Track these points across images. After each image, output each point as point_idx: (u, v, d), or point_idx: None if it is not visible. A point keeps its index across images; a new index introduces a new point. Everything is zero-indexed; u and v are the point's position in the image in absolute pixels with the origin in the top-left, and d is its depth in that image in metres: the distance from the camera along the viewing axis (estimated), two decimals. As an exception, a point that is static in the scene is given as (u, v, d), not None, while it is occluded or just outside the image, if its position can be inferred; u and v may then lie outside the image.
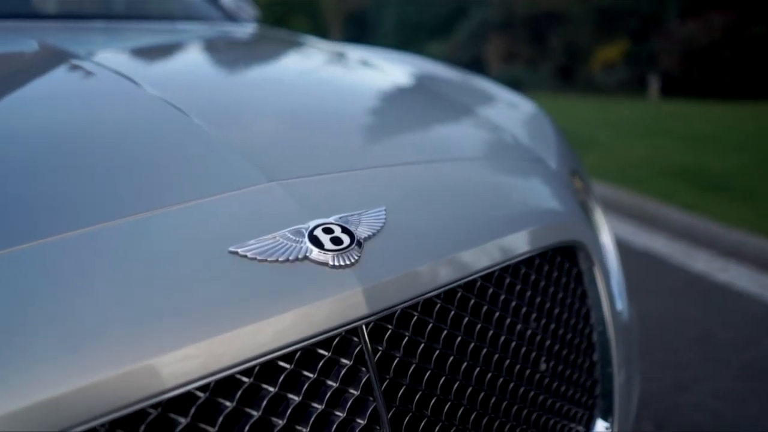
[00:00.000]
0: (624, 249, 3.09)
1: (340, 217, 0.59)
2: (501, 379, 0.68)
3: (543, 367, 0.78)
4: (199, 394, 0.47)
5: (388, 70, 1.33)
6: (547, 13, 10.08)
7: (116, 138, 0.67)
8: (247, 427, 0.49)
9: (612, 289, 0.95)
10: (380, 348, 0.56)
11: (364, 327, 0.55)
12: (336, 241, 0.56)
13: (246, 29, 1.85)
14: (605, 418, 0.84)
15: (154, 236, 0.53)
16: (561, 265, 0.80)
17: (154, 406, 0.45)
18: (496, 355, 0.68)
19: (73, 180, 0.58)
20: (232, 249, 0.53)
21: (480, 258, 0.66)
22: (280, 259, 0.53)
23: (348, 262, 0.55)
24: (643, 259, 2.93)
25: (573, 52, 9.69)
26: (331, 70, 1.31)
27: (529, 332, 0.73)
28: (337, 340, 0.54)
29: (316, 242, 0.55)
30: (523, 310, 0.72)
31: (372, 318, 0.55)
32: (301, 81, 1.12)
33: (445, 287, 0.62)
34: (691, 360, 2.00)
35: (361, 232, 0.59)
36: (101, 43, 1.21)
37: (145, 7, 2.01)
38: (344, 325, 0.53)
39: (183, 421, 0.46)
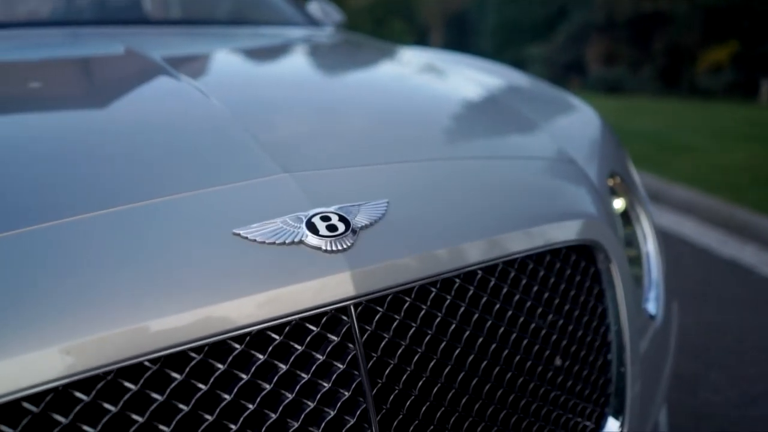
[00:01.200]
0: (710, 257, 2.95)
1: (340, 207, 0.64)
2: (498, 368, 0.71)
3: (558, 362, 0.81)
4: (194, 355, 0.54)
5: (440, 72, 1.38)
6: (651, 13, 9.65)
7: (159, 132, 0.77)
8: (235, 389, 0.55)
9: (642, 290, 0.95)
10: (369, 328, 0.61)
11: (352, 307, 0.60)
12: (331, 228, 0.61)
13: (323, 33, 1.95)
14: (616, 417, 0.84)
15: (173, 217, 0.61)
16: (576, 263, 0.82)
17: (154, 361, 0.53)
18: (494, 345, 0.71)
19: (113, 166, 0.67)
20: (235, 231, 0.60)
21: (480, 251, 0.70)
22: (277, 241, 0.59)
23: (340, 248, 0.61)
24: (729, 268, 2.79)
25: (677, 54, 9.23)
26: (380, 72, 1.37)
27: (533, 325, 0.75)
28: (326, 317, 0.60)
29: (313, 228, 0.61)
30: (528, 303, 0.75)
31: (361, 299, 0.60)
32: (348, 82, 1.19)
33: (439, 276, 0.66)
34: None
35: (359, 221, 0.64)
36: (177, 47, 1.34)
37: (230, 13, 2.15)
38: (331, 304, 0.59)
39: (178, 377, 0.54)
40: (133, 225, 0.59)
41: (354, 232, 0.62)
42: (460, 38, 14.82)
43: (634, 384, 0.85)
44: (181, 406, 0.54)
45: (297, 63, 1.41)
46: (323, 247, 0.60)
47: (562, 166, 0.93)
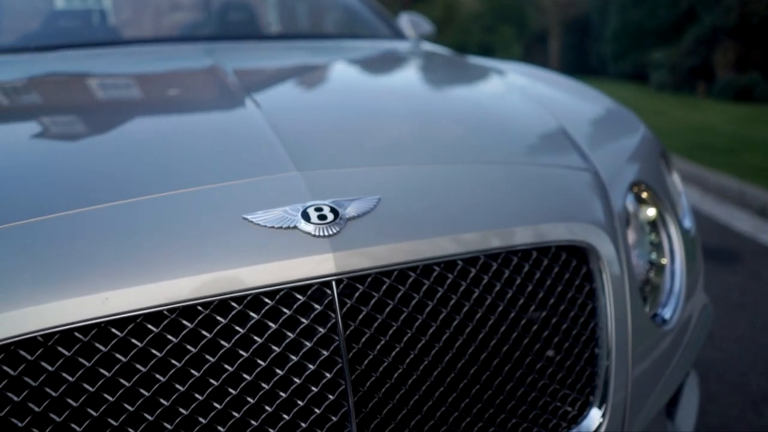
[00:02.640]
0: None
1: (334, 201, 0.78)
2: (472, 349, 0.81)
3: (550, 353, 0.89)
4: (201, 309, 0.70)
5: (487, 82, 1.48)
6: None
7: (203, 133, 0.95)
8: (233, 341, 0.70)
9: (659, 296, 1.00)
10: (348, 301, 0.74)
11: (334, 283, 0.73)
12: (322, 217, 0.75)
13: (401, 45, 2.09)
14: (599, 406, 0.91)
15: (200, 203, 0.77)
16: (567, 262, 0.90)
17: (171, 311, 0.69)
18: (470, 328, 0.81)
19: (162, 161, 0.85)
20: (245, 216, 0.75)
21: (461, 244, 0.80)
22: (276, 226, 0.74)
23: (327, 233, 0.74)
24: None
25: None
26: (426, 81, 1.49)
27: (512, 314, 0.84)
28: (312, 289, 0.73)
29: (306, 217, 0.75)
30: (509, 294, 0.84)
31: (342, 276, 0.73)
32: (388, 91, 1.33)
33: (418, 263, 0.78)
34: None
35: (348, 213, 0.77)
36: (254, 60, 1.54)
37: (317, 28, 2.35)
38: (316, 278, 0.72)
39: (189, 325, 0.69)
40: (167, 209, 0.76)
41: (341, 221, 0.75)
42: (581, 43, 14.39)
43: (619, 377, 0.91)
44: (189, 347, 0.69)
45: (350, 74, 1.57)
46: (312, 233, 0.74)
47: (568, 174, 1.01)
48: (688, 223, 1.29)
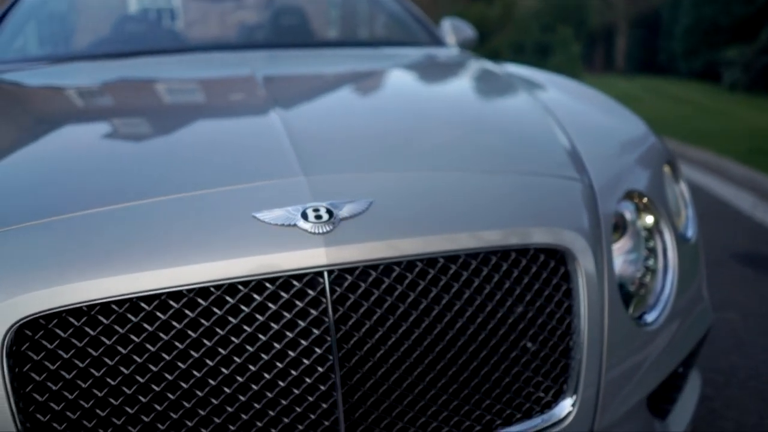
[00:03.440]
0: None
1: (331, 202, 0.90)
2: (451, 335, 0.92)
3: (529, 345, 0.99)
4: (213, 290, 0.84)
5: (503, 91, 1.57)
6: None
7: (225, 139, 1.12)
8: (239, 318, 0.84)
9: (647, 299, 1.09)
10: (338, 289, 0.87)
11: (326, 273, 0.86)
12: (318, 217, 0.88)
13: (439, 52, 2.20)
14: (572, 396, 1.00)
15: (218, 202, 0.91)
16: (545, 263, 0.99)
17: (189, 290, 0.83)
18: (449, 317, 0.92)
19: (186, 164, 1.00)
20: (253, 214, 0.88)
21: (443, 244, 0.92)
22: (278, 223, 0.87)
23: (321, 231, 0.87)
24: None
25: None
26: (445, 90, 1.60)
27: (489, 307, 0.95)
28: (307, 278, 0.86)
29: (305, 216, 0.88)
30: (487, 289, 0.95)
31: (333, 268, 0.86)
32: (408, 100, 1.45)
33: (402, 258, 0.89)
34: None
35: (342, 213, 0.89)
36: (286, 67, 1.71)
37: (355, 36, 2.49)
38: (309, 269, 0.85)
39: (203, 303, 0.84)
40: (192, 206, 0.90)
41: (335, 221, 0.88)
42: (649, 40, 13.98)
43: (590, 369, 1.00)
44: (203, 321, 0.84)
45: (374, 82, 1.69)
46: (309, 230, 0.87)
47: (556, 182, 1.10)
48: (690, 232, 1.35)
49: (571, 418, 1.00)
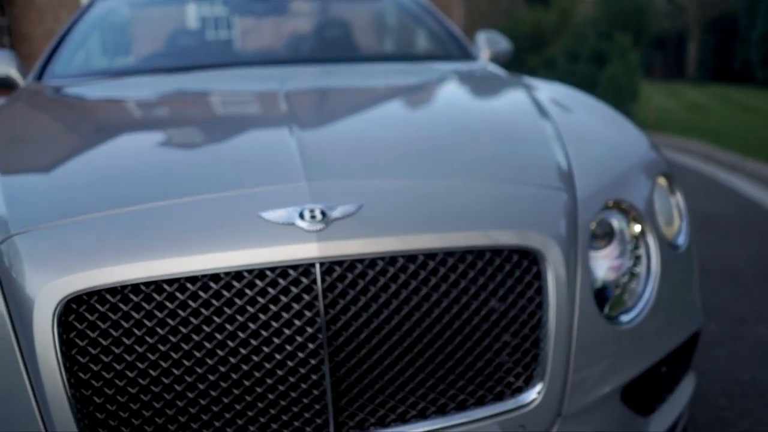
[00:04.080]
0: None
1: (325, 205, 1.06)
2: (427, 322, 1.06)
3: (507, 338, 1.12)
4: (223, 276, 1.01)
5: (515, 103, 1.70)
6: None
7: (240, 148, 1.30)
8: (243, 299, 1.00)
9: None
10: (328, 278, 1.02)
11: (318, 264, 1.01)
12: (313, 217, 1.03)
13: (463, 67, 2.34)
14: (540, 382, 1.12)
15: (233, 203, 1.08)
16: (519, 263, 1.12)
17: (203, 276, 1.00)
18: (427, 306, 1.06)
19: (209, 170, 1.18)
20: (260, 214, 1.05)
21: (422, 242, 1.05)
22: (279, 222, 1.03)
23: (314, 229, 1.02)
24: None
25: None
26: (455, 104, 1.76)
27: (464, 299, 1.08)
28: (302, 268, 1.01)
29: (302, 216, 1.04)
30: (462, 283, 1.08)
31: (324, 260, 1.01)
32: (417, 113, 1.60)
33: (385, 254, 1.04)
34: None
35: (335, 214, 1.05)
36: (310, 82, 1.91)
37: (382, 50, 2.66)
38: (303, 260, 1.01)
39: (215, 286, 1.00)
40: (213, 206, 1.08)
41: (328, 220, 1.03)
42: (723, 46, 13.51)
43: (557, 360, 1.12)
44: (214, 302, 1.00)
45: (389, 95, 1.85)
46: (304, 228, 1.02)
47: (537, 191, 1.22)
48: (681, 241, 1.43)
49: (538, 401, 1.12)
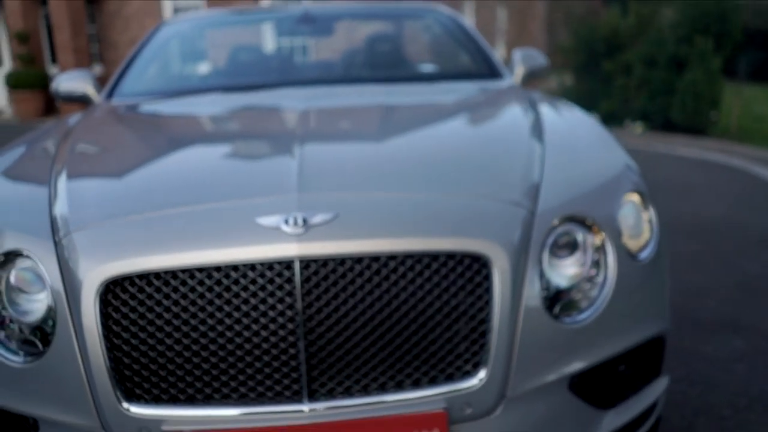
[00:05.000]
0: None
1: (307, 213, 1.30)
2: (388, 311, 1.28)
3: (459, 328, 1.33)
4: (224, 267, 1.27)
5: (511, 122, 1.91)
6: None
7: (248, 161, 1.57)
8: (239, 286, 1.27)
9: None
10: (306, 272, 1.27)
11: (297, 261, 1.26)
12: (295, 223, 1.28)
13: (490, 86, 2.54)
14: (486, 367, 1.32)
15: (235, 211, 1.35)
16: (470, 266, 1.32)
17: (209, 267, 1.27)
18: (388, 297, 1.28)
19: (224, 179, 1.46)
20: (256, 220, 1.31)
21: (385, 245, 1.28)
22: (269, 226, 1.29)
23: (296, 233, 1.27)
24: None
25: None
26: (459, 125, 2.00)
27: (420, 294, 1.30)
28: (284, 264, 1.27)
29: (287, 222, 1.29)
30: (419, 281, 1.29)
31: (302, 258, 1.26)
32: (423, 131, 1.88)
33: (354, 255, 1.27)
34: None
35: (314, 221, 1.29)
36: (329, 100, 2.22)
37: (415, 70, 2.89)
38: (285, 258, 1.26)
39: (217, 275, 1.27)
40: (219, 211, 1.35)
41: (307, 226, 1.28)
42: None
43: (500, 350, 1.31)
44: (216, 287, 1.27)
45: (399, 115, 2.10)
46: (288, 231, 1.27)
47: (495, 205, 1.41)
48: (646, 253, 1.58)
49: (483, 384, 1.31)
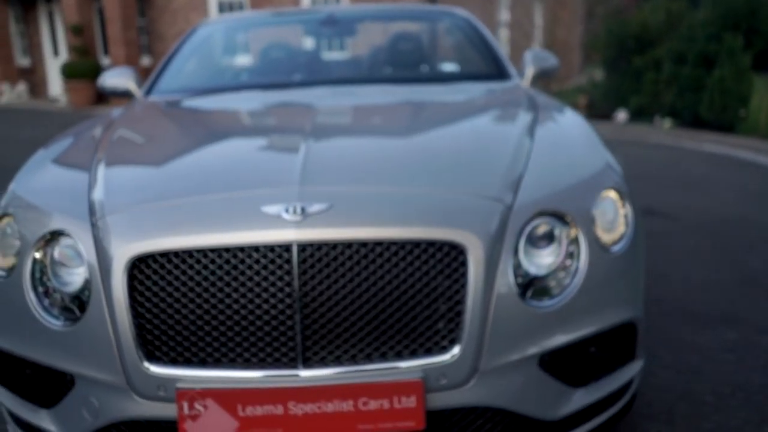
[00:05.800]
0: None
1: (305, 203, 1.49)
2: (373, 290, 1.46)
3: (441, 308, 1.51)
4: (233, 248, 1.47)
5: (508, 122, 2.08)
6: None
7: (258, 154, 1.77)
8: (245, 264, 1.46)
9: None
10: (303, 255, 1.45)
11: (296, 245, 1.45)
12: (294, 212, 1.47)
13: (496, 87, 2.70)
14: (460, 343, 1.49)
15: (247, 199, 1.54)
16: (448, 253, 1.49)
17: (221, 248, 1.47)
18: (373, 278, 1.46)
19: (236, 169, 1.66)
20: (261, 207, 1.50)
21: (372, 233, 1.46)
22: (272, 214, 1.48)
23: (295, 221, 1.46)
24: None
25: None
26: (463, 123, 2.19)
27: (402, 276, 1.47)
28: (284, 247, 1.46)
29: (287, 211, 1.48)
30: (401, 265, 1.47)
31: (300, 242, 1.45)
32: (424, 129, 2.07)
33: (345, 240, 1.45)
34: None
35: (311, 211, 1.48)
36: (346, 99, 2.42)
37: (427, 71, 3.06)
38: (284, 241, 1.45)
39: (226, 255, 1.47)
40: (231, 199, 1.55)
41: (305, 215, 1.47)
42: None
43: (473, 328, 1.48)
44: (225, 265, 1.47)
45: (404, 113, 2.30)
46: (288, 219, 1.46)
47: (475, 200, 1.58)
48: (620, 246, 1.73)
49: (457, 358, 1.49)
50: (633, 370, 1.81)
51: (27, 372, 1.67)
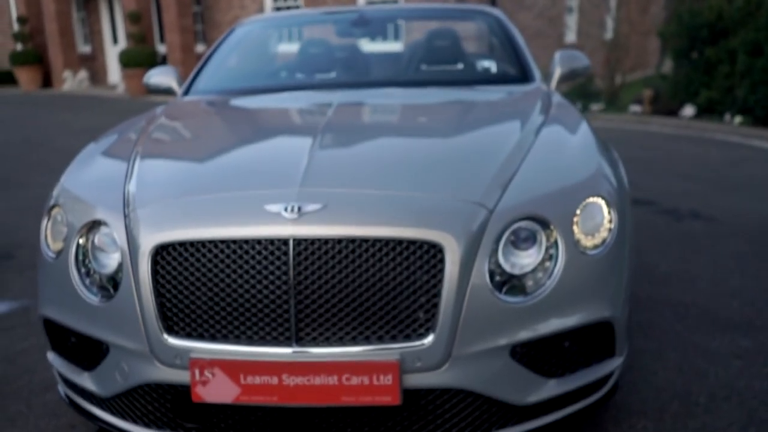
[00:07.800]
0: None
1: (301, 203, 1.70)
2: (359, 281, 1.66)
3: (421, 299, 1.69)
4: (238, 240, 1.70)
5: (511, 126, 2.24)
6: None
7: (269, 153, 2.04)
8: (249, 255, 1.69)
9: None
10: (299, 248, 1.67)
11: (292, 240, 1.67)
12: (292, 210, 1.69)
13: (516, 90, 2.84)
14: (435, 331, 1.67)
15: (250, 198, 1.77)
16: (428, 251, 1.67)
17: (229, 240, 1.70)
18: (359, 271, 1.66)
19: (244, 169, 1.89)
20: (264, 206, 1.72)
21: (359, 231, 1.66)
22: (272, 212, 1.70)
23: (292, 218, 1.67)
24: None
25: None
26: (460, 129, 2.35)
27: (385, 270, 1.66)
28: (281, 241, 1.67)
29: (285, 209, 1.69)
30: (385, 260, 1.66)
31: (296, 237, 1.66)
32: (428, 132, 2.27)
33: (337, 237, 1.66)
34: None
35: (306, 209, 1.69)
36: (364, 98, 2.65)
37: (448, 73, 3.22)
38: (282, 236, 1.66)
39: (233, 246, 1.70)
40: (239, 198, 1.78)
41: (301, 213, 1.68)
42: None
43: (446, 317, 1.65)
44: (232, 255, 1.70)
45: (415, 116, 2.51)
46: (286, 217, 1.68)
47: (456, 203, 1.75)
48: (599, 251, 1.85)
49: (431, 344, 1.67)
50: (611, 365, 1.94)
51: (72, 340, 1.97)
